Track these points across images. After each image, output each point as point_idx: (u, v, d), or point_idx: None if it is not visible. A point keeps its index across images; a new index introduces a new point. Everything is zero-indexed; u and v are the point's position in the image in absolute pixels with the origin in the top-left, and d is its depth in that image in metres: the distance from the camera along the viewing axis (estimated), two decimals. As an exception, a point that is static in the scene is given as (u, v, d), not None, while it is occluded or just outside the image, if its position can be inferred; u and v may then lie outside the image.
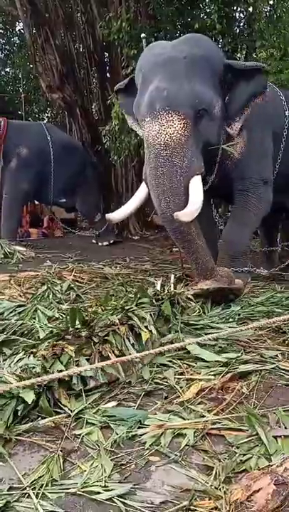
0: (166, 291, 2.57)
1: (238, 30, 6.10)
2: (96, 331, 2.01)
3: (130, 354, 1.97)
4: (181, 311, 2.53)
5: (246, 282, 3.12)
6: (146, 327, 2.14)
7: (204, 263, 2.88)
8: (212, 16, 5.26)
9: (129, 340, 2.05)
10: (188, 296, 2.69)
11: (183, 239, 2.86)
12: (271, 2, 6.13)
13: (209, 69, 2.86)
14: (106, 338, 2.00)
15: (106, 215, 3.26)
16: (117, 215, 3.23)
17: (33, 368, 1.78)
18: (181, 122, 2.70)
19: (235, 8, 5.88)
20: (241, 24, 6.24)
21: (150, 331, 2.14)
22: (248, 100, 3.04)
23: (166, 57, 2.85)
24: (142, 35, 4.30)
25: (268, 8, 6.36)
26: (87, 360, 1.86)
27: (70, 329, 2.03)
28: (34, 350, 1.96)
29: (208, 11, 5.77)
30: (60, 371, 1.75)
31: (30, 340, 2.18)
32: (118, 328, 2.06)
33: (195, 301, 2.69)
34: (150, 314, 2.25)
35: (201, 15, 5.87)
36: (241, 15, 6.23)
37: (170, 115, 2.70)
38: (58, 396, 1.70)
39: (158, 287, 2.64)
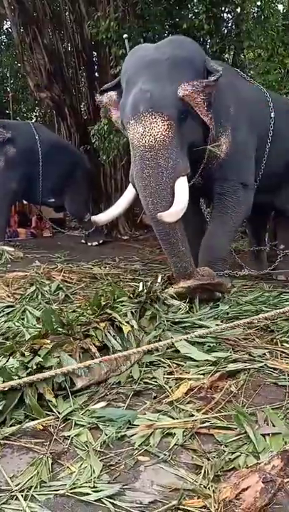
0: (145, 289, 2.57)
1: (225, 31, 6.15)
2: (76, 330, 2.01)
3: (112, 346, 1.98)
4: (166, 309, 2.54)
5: (228, 286, 3.12)
6: (127, 322, 2.14)
7: (183, 268, 2.89)
8: (200, 16, 5.29)
9: (110, 333, 2.05)
10: (171, 293, 2.69)
11: (167, 241, 2.86)
12: (259, 3, 6.18)
13: (192, 70, 2.84)
14: (86, 333, 2.00)
15: (92, 217, 3.22)
16: (104, 216, 3.21)
17: (12, 366, 1.76)
18: (165, 124, 2.70)
19: (223, 8, 5.92)
20: (229, 25, 6.30)
21: (131, 326, 2.14)
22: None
23: (148, 59, 2.85)
24: (124, 35, 4.27)
25: (256, 9, 6.41)
26: (70, 355, 1.84)
27: (50, 331, 2.02)
28: (14, 351, 1.92)
29: (196, 11, 5.79)
30: (38, 364, 1.73)
31: (8, 342, 2.14)
32: (98, 324, 2.06)
33: (178, 299, 2.69)
34: (131, 312, 2.25)
35: (189, 15, 5.89)
36: (229, 15, 6.29)
37: (154, 117, 2.69)
38: (43, 392, 1.68)
39: (140, 288, 2.63)
